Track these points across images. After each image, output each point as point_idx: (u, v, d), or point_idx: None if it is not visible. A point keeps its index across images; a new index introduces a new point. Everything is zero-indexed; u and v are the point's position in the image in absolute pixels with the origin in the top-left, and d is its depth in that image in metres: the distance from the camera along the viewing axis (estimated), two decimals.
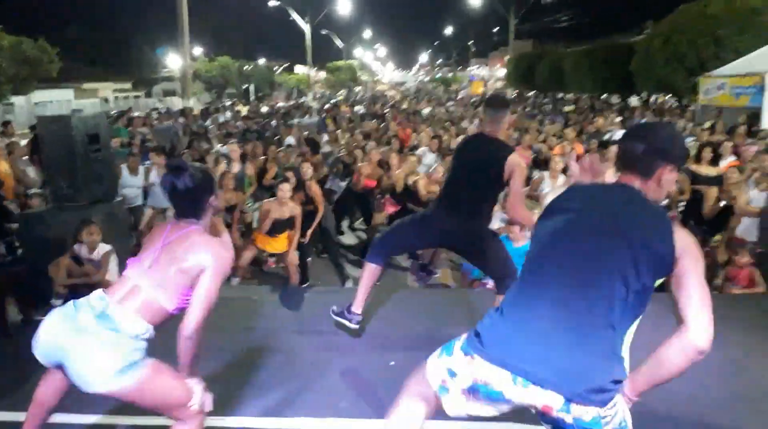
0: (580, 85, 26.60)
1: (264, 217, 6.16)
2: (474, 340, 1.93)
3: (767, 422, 3.13)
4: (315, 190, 6.73)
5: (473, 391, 1.90)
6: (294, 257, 6.25)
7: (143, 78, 36.46)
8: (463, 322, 4.00)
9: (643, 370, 1.87)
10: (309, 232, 6.48)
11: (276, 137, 12.59)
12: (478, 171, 3.51)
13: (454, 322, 4.20)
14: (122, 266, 5.48)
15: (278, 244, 6.24)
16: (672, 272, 1.84)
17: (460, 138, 10.41)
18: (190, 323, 2.26)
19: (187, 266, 2.30)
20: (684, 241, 1.85)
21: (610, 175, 6.81)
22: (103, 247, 4.98)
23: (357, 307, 3.87)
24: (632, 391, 1.89)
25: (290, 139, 11.59)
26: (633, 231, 1.86)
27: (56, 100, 31.36)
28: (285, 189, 6.14)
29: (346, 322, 3.87)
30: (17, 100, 27.29)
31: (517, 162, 3.42)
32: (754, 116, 11.09)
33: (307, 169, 6.98)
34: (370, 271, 3.79)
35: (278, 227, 6.13)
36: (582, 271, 1.87)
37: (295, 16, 37.65)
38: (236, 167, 7.96)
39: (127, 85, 37.01)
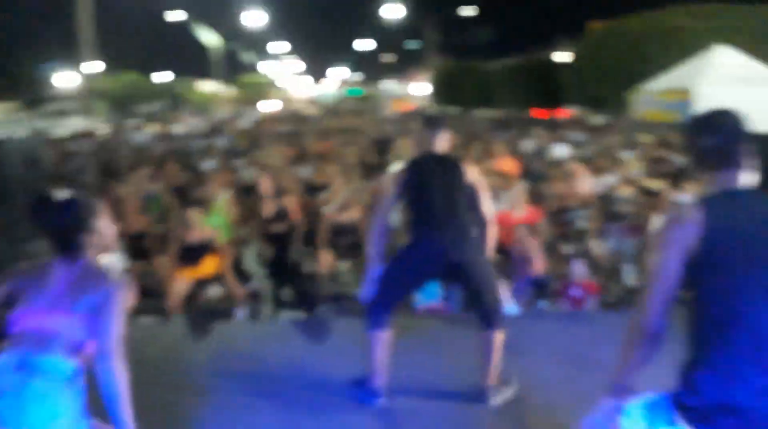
0: (507, 100, 27.80)
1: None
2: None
3: None
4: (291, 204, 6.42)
5: None
6: (231, 277, 5.98)
7: (32, 97, 34.56)
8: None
9: None
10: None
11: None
12: (454, 190, 3.56)
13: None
14: None
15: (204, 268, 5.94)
16: None
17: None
18: None
19: None
20: None
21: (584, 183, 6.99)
22: None
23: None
24: None
25: (211, 163, 11.49)
26: None
27: None
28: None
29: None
30: None
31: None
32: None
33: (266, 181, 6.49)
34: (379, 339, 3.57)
35: (191, 254, 5.86)
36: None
37: (203, 33, 37.09)
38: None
39: (14, 106, 34.97)
